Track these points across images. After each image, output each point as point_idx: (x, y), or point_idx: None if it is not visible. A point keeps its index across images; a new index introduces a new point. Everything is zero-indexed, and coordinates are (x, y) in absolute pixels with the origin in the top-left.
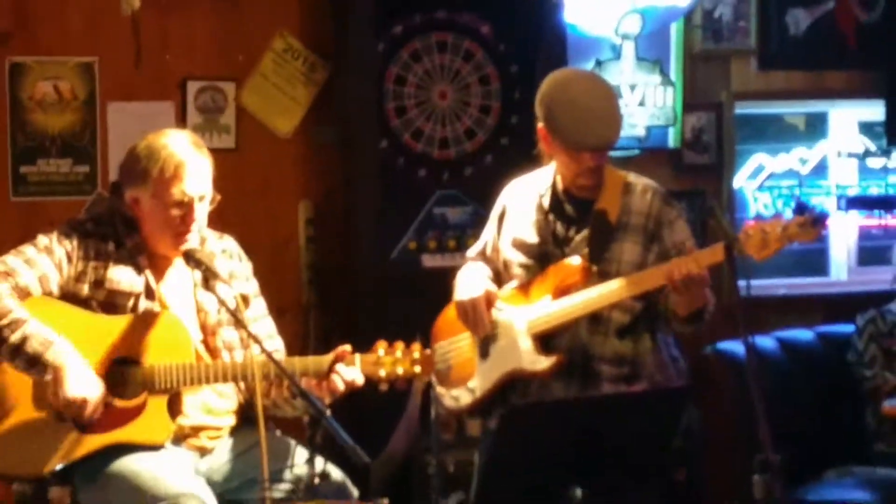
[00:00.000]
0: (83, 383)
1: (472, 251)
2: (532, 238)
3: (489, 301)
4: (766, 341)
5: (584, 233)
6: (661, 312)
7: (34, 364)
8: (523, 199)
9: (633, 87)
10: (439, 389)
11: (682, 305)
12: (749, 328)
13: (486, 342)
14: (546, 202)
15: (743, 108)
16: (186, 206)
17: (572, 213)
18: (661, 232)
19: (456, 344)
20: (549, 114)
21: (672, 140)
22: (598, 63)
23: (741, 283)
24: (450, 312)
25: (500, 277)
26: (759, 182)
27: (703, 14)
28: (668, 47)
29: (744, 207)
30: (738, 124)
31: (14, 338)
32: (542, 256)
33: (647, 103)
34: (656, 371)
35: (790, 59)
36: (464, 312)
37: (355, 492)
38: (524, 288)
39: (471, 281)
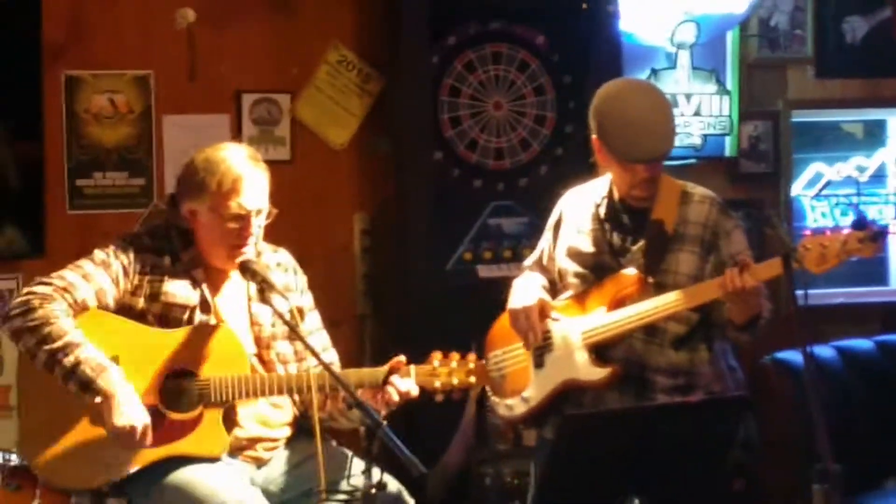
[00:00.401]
0: (130, 413)
1: (528, 260)
2: (587, 247)
3: (543, 310)
4: (824, 350)
5: (641, 243)
6: (717, 322)
7: (87, 388)
8: (580, 209)
9: (688, 97)
10: (494, 398)
11: (737, 314)
12: (807, 337)
13: (540, 352)
14: (602, 212)
15: (800, 117)
16: (244, 220)
17: (628, 223)
18: (719, 242)
19: (510, 353)
20: (601, 126)
21: (728, 149)
22: (654, 72)
23: (799, 292)
24: (504, 321)
25: (555, 287)
26: (817, 191)
27: (759, 22)
28: (724, 56)
29: (801, 216)
30: (795, 133)
31: (68, 361)
32: (598, 266)
33: (702, 112)
34: (713, 381)
35: (847, 67)
36: (516, 320)
37: (412, 502)
38: (579, 298)
39: (525, 290)
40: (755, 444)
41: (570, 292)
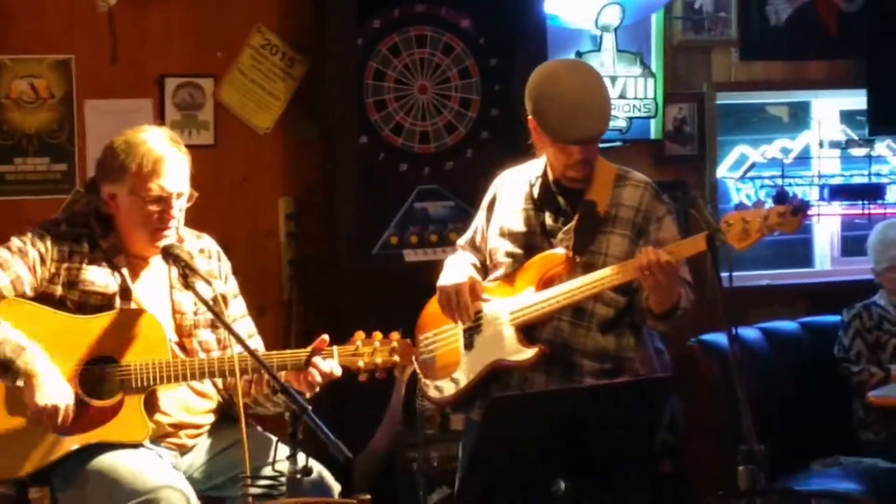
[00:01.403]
0: (53, 391)
1: (461, 240)
2: (519, 227)
3: (473, 289)
4: (750, 332)
5: (572, 223)
6: (641, 307)
7: (6, 370)
8: (514, 189)
9: (613, 80)
10: (424, 381)
11: (655, 302)
12: (733, 320)
13: (470, 333)
14: (536, 192)
15: (724, 99)
16: (164, 203)
17: (563, 204)
18: (649, 227)
19: (441, 335)
20: (536, 107)
21: (654, 132)
22: (579, 55)
23: (724, 274)
24: (435, 305)
25: (486, 267)
26: (742, 173)
27: (683, 5)
28: (649, 39)
29: (726, 199)
30: (720, 115)
31: None
32: (529, 246)
33: (627, 95)
34: (640, 365)
35: (771, 50)
36: (447, 298)
37: (337, 487)
38: (509, 278)
39: (455, 268)
40: (682, 425)
41: (500, 272)
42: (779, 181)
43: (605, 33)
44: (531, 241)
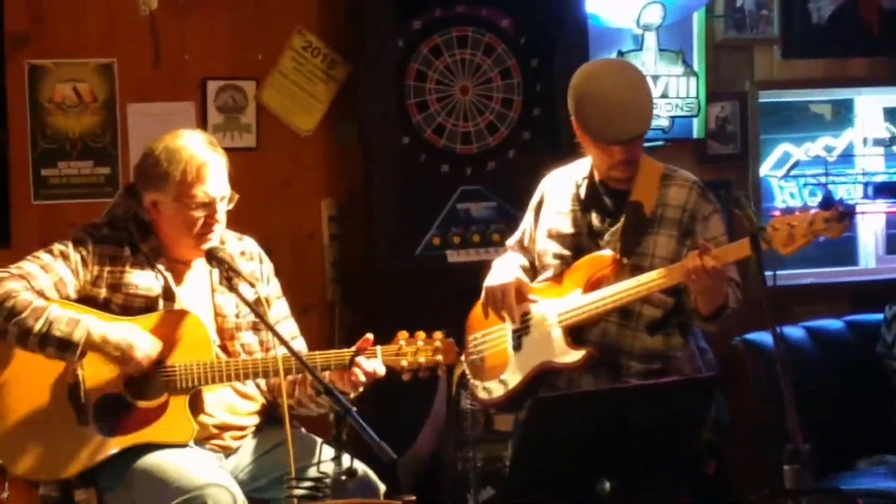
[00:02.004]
0: (138, 344)
1: (511, 240)
2: (567, 229)
3: (519, 290)
4: (794, 331)
5: (619, 225)
6: (689, 308)
7: (66, 347)
8: (561, 190)
9: (655, 79)
10: (473, 381)
11: (702, 303)
12: (777, 318)
13: (519, 334)
14: (583, 193)
15: (767, 98)
16: (209, 207)
17: (609, 204)
18: (696, 227)
19: (489, 336)
20: (577, 108)
21: (696, 131)
22: (620, 54)
23: (768, 273)
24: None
25: (535, 268)
26: (785, 171)
27: (725, 3)
28: (691, 37)
29: (770, 197)
30: (763, 113)
31: (39, 325)
32: (576, 247)
33: (669, 94)
34: (684, 364)
35: (814, 47)
36: (493, 298)
37: (382, 488)
38: (557, 279)
39: (502, 269)
40: (726, 425)
41: (549, 273)
42: (822, 179)
43: (647, 32)
44: (579, 243)
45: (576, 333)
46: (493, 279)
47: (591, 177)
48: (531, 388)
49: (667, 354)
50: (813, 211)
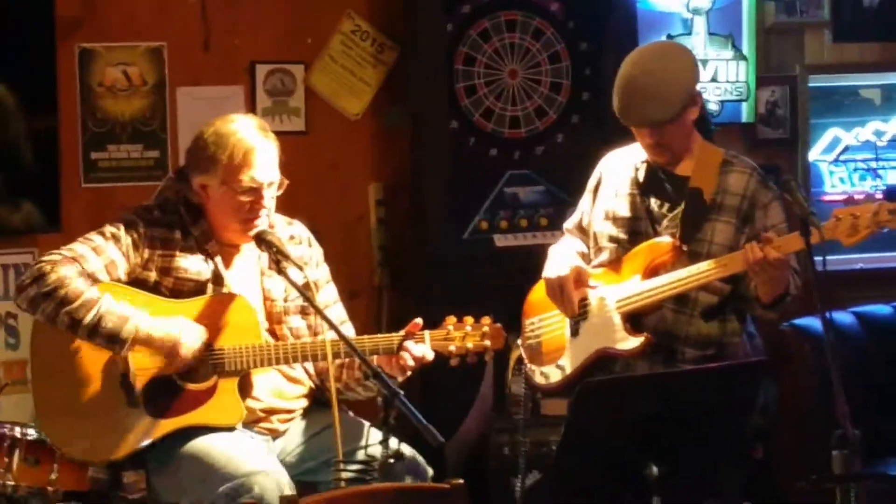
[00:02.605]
0: (184, 331)
1: (569, 222)
2: (624, 212)
3: (578, 279)
4: (843, 316)
5: (678, 210)
6: (747, 296)
7: (114, 341)
8: (619, 171)
9: (705, 63)
10: (530, 366)
11: (763, 291)
12: (826, 303)
13: (576, 320)
14: (641, 176)
15: (817, 82)
16: (256, 193)
17: (669, 190)
18: (755, 214)
19: (546, 321)
20: (614, 88)
21: (745, 115)
22: (670, 38)
23: (818, 258)
24: (540, 289)
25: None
26: (835, 156)
27: None
28: (740, 21)
29: (819, 182)
30: (813, 98)
31: (89, 318)
32: (634, 231)
33: (719, 78)
34: (738, 349)
35: (864, 31)
36: (552, 291)
37: (430, 471)
38: (615, 265)
39: (560, 258)
40: (775, 410)
41: (604, 256)
42: (872, 164)
43: (696, 16)
44: (636, 227)
45: (634, 320)
46: (550, 270)
47: (649, 161)
48: (588, 374)
49: (722, 341)
50: (878, 202)
